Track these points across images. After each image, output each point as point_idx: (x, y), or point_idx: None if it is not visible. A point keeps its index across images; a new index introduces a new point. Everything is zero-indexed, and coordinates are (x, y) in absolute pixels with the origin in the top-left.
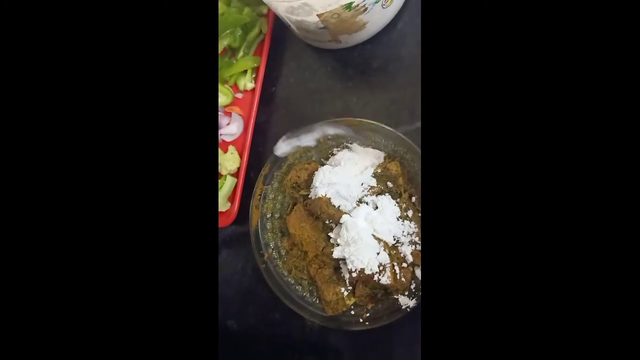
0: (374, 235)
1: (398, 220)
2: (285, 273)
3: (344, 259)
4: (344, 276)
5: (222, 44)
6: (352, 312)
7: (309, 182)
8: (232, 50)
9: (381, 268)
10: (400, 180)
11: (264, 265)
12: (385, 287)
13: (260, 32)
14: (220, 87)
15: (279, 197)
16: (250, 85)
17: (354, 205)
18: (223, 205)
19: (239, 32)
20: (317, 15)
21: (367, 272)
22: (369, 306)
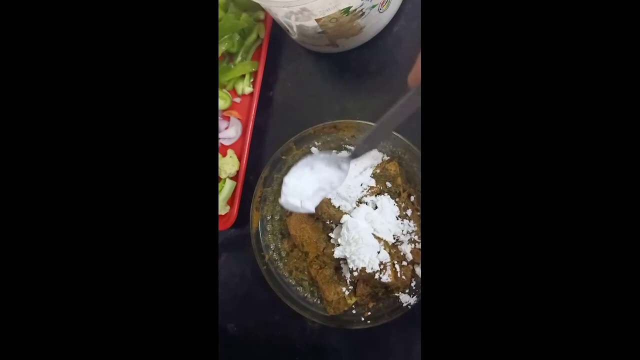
0: (374, 235)
1: (397, 219)
2: (286, 274)
3: (344, 259)
4: (344, 276)
5: (220, 49)
6: (354, 312)
7: None
8: (230, 56)
9: (382, 267)
10: (399, 180)
11: (265, 267)
12: (386, 286)
13: (258, 37)
14: (219, 91)
15: (279, 200)
16: (248, 90)
17: (354, 205)
18: (222, 209)
19: (237, 37)
20: (316, 20)
21: (368, 270)
22: (370, 305)
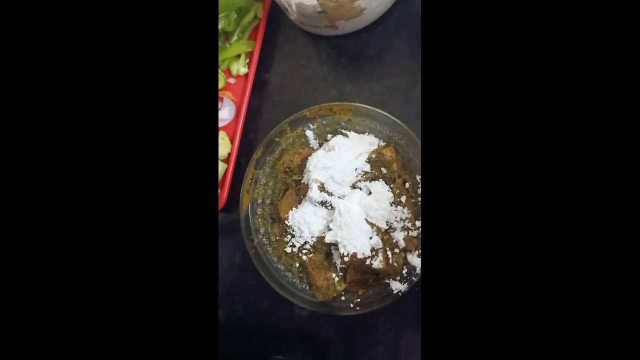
0: (367, 220)
1: (391, 205)
2: (275, 259)
3: (335, 245)
4: (335, 262)
5: None
6: (343, 298)
7: (302, 167)
8: (226, 34)
9: (373, 253)
10: (395, 166)
11: (253, 251)
12: (376, 272)
13: (256, 16)
14: None
15: (271, 183)
16: (243, 70)
17: (348, 190)
18: None
19: (234, 15)
20: None
21: (360, 256)
22: (360, 292)
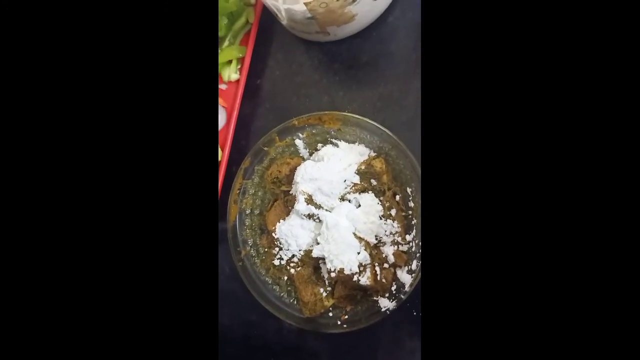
0: (355, 234)
1: (381, 219)
2: (263, 272)
3: (323, 259)
4: (323, 276)
5: None
6: (330, 314)
7: (290, 178)
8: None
9: (361, 268)
10: (385, 178)
11: (240, 263)
12: (364, 289)
13: (247, 21)
14: None
15: (259, 193)
16: (234, 77)
17: (336, 202)
18: None
19: (225, 20)
20: (305, 3)
21: (347, 272)
22: (348, 308)
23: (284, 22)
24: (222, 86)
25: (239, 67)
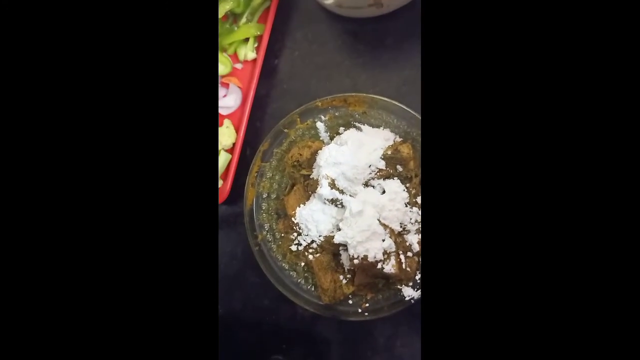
0: (379, 221)
1: (406, 206)
2: (280, 257)
3: (344, 245)
4: (343, 263)
5: (224, 8)
6: (350, 302)
7: (311, 162)
8: (234, 16)
9: (385, 256)
10: (412, 164)
11: (257, 248)
12: (387, 277)
13: None
14: (219, 55)
15: (277, 177)
16: (251, 55)
17: (360, 188)
18: None
19: None
20: None
21: (371, 259)
22: (369, 296)
23: (330, 1)
24: (237, 65)
25: (256, 45)
